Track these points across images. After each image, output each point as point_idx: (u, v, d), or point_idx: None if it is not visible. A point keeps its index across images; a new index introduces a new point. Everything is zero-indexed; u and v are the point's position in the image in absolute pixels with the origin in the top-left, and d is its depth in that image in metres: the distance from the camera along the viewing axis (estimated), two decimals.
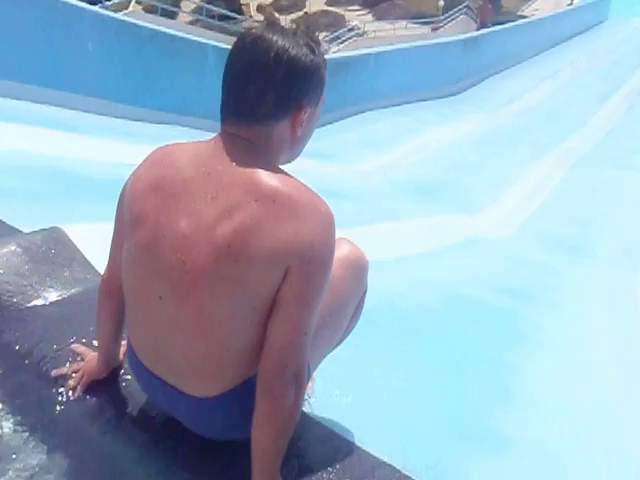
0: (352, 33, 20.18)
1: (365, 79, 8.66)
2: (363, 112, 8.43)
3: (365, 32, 20.49)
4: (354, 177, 5.87)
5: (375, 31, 20.38)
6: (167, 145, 1.09)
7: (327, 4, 26.29)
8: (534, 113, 10.81)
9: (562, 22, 18.18)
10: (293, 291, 0.96)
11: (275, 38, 1.01)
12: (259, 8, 22.05)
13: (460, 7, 21.60)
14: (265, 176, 0.98)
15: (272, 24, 1.06)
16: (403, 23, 21.20)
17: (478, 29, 13.80)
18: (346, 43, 18.62)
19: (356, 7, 26.04)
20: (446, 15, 19.99)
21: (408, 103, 9.49)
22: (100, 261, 1.49)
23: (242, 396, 1.03)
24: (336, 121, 7.82)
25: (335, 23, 22.25)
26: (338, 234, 1.02)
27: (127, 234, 1.07)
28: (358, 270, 1.23)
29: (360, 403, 1.58)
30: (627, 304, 3.70)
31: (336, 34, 19.44)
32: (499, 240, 5.01)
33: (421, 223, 4.69)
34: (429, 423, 1.55)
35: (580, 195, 6.90)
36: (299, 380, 0.99)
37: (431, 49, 10.40)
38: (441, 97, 10.58)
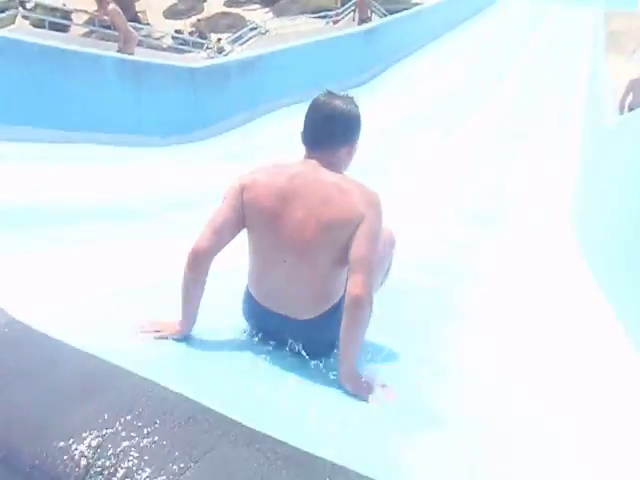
0: (254, 32, 20.05)
1: (273, 77, 8.63)
2: (274, 110, 8.41)
3: (267, 30, 20.43)
4: None
5: (277, 28, 20.37)
6: (277, 164, 1.79)
7: (226, 5, 25.99)
8: (439, 96, 11.18)
9: (456, 6, 18.89)
10: (362, 235, 1.61)
11: (337, 102, 1.75)
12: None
13: None
14: (340, 179, 1.72)
15: (331, 93, 1.78)
16: (303, 18, 21.33)
17: (359, 24, 13.95)
18: (249, 43, 18.48)
19: (255, 6, 25.91)
20: (345, 7, 20.26)
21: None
22: None
23: (329, 316, 1.70)
24: (248, 122, 7.75)
25: (236, 24, 22.05)
26: None
27: (253, 222, 1.69)
28: (391, 241, 1.99)
29: (288, 389, 1.55)
30: (546, 269, 3.90)
31: (238, 34, 19.26)
32: (421, 221, 5.14)
33: None
34: (363, 405, 1.54)
35: (489, 170, 7.21)
36: (370, 300, 1.58)
37: (333, 42, 10.52)
38: (348, 88, 10.69)
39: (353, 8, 16.11)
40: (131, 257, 2.69)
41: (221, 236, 1.66)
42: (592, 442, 1.47)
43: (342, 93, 1.79)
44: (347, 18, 17.40)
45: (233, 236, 1.69)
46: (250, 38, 19.40)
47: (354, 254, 1.59)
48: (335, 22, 14.21)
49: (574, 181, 6.56)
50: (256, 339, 1.75)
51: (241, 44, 18.60)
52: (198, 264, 1.64)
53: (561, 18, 22.17)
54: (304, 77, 9.42)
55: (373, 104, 9.43)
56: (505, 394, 1.75)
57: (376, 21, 13.42)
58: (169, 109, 6.92)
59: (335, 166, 1.74)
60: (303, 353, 1.70)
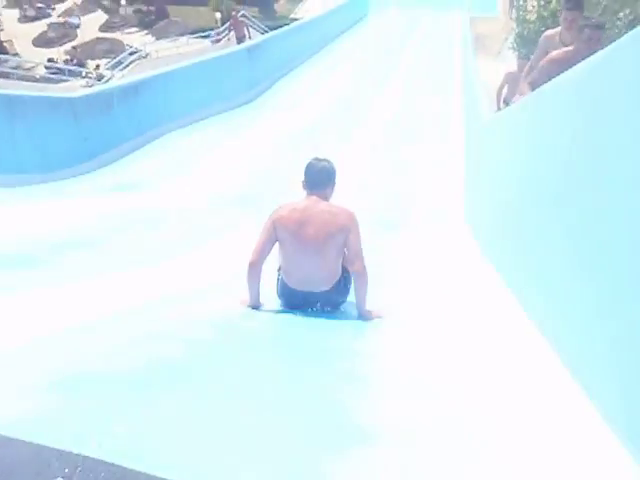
0: (134, 56, 19.49)
1: (158, 102, 8.39)
2: (162, 135, 8.18)
3: (148, 54, 19.93)
4: (167, 202, 5.64)
5: (157, 51, 19.93)
6: (292, 201, 2.83)
7: (101, 30, 25.06)
8: (326, 107, 11.40)
9: (333, 19, 19.46)
10: (352, 240, 2.72)
11: (322, 162, 2.92)
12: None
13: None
14: (331, 207, 2.80)
15: (318, 158, 2.95)
16: (184, 39, 21.04)
17: (238, 43, 13.98)
18: (130, 67, 17.93)
19: (133, 30, 25.22)
20: (225, 27, 20.23)
21: (205, 118, 9.43)
22: None
23: (335, 288, 2.80)
24: (137, 149, 7.46)
25: (114, 49, 21.30)
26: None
27: (282, 239, 2.74)
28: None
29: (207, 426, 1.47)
30: (452, 264, 4.05)
31: (117, 59, 18.63)
32: None
33: (248, 234, 4.65)
34: (289, 430, 1.49)
35: (384, 176, 7.42)
36: (366, 272, 2.70)
37: (217, 62, 10.44)
38: (237, 107, 10.68)
39: (229, 28, 15.95)
40: (15, 312, 2.45)
41: (264, 250, 2.76)
42: (511, 438, 1.51)
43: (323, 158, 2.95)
44: (229, 37, 17.30)
45: (271, 249, 2.78)
46: (131, 63, 18.84)
47: (350, 250, 2.76)
48: (217, 41, 14.07)
49: (462, 177, 6.92)
50: (286, 310, 2.84)
51: (122, 69, 18.01)
52: (254, 269, 2.73)
53: (431, 24, 23.45)
54: (190, 99, 9.26)
55: (263, 120, 9.46)
56: (425, 400, 1.76)
57: (258, 38, 13.47)
58: (49, 143, 6.51)
59: (326, 199, 2.87)
60: (321, 309, 2.81)
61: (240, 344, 2.27)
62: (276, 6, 29.79)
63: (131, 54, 19.41)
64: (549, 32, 4.55)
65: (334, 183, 2.91)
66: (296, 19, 21.79)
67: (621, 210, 1.48)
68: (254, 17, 24.41)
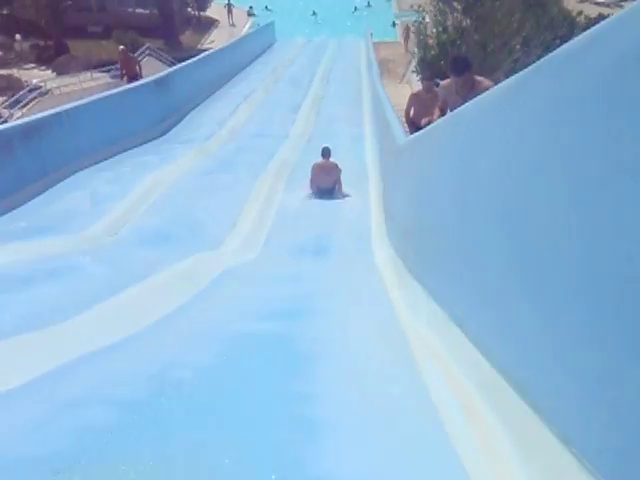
0: (34, 93, 18.63)
1: (63, 140, 8.00)
2: (69, 175, 7.79)
3: (49, 90, 19.11)
4: (85, 244, 5.33)
5: (59, 87, 19.16)
6: (317, 162, 7.95)
7: None
8: (242, 135, 11.36)
9: (241, 48, 19.57)
10: (337, 172, 8.01)
11: (327, 145, 8.25)
12: None
13: (141, 50, 21.64)
14: (333, 163, 7.97)
15: (326, 145, 8.36)
16: (88, 75, 20.39)
17: (129, 82, 12.16)
18: (30, 105, 17.12)
19: (31, 65, 24.15)
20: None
21: (116, 155, 9.11)
22: None
23: (333, 186, 7.93)
24: (42, 192, 7.05)
25: (12, 86, 20.23)
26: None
27: (316, 171, 7.89)
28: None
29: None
30: (372, 287, 4.07)
31: (16, 97, 17.73)
32: (248, 265, 5.07)
33: (174, 272, 4.47)
34: None
35: (309, 204, 7.45)
36: (341, 185, 8.03)
37: (124, 96, 10.13)
38: (148, 141, 10.40)
39: (119, 66, 14.08)
40: None
41: (313, 175, 7.91)
42: None
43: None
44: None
45: (313, 175, 7.94)
46: (31, 100, 18.00)
47: (337, 176, 7.88)
48: (122, 76, 13.55)
49: (380, 201, 7.06)
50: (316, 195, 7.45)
51: (20, 107, 17.16)
52: (311, 182, 7.90)
53: (337, 49, 24.12)
54: (98, 136, 8.91)
55: (174, 155, 9.25)
56: (376, 444, 1.71)
57: (165, 71, 13.23)
58: None
59: (329, 158, 7.92)
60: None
61: (172, 402, 2.12)
62: (182, 37, 29.67)
63: (30, 91, 18.55)
64: (444, 82, 5.11)
65: (330, 154, 7.95)
66: (203, 50, 21.73)
67: (542, 229, 1.51)
68: (160, 49, 24.12)
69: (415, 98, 6.69)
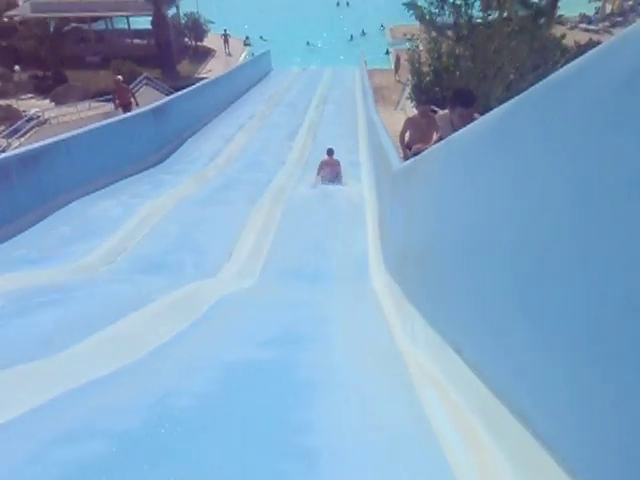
0: (33, 123, 18.79)
1: (60, 169, 8.04)
2: (67, 204, 7.81)
3: (47, 120, 19.29)
4: (81, 274, 5.32)
5: (57, 117, 19.34)
6: (326, 157, 10.39)
7: None
8: (239, 162, 11.44)
9: (238, 77, 19.81)
10: (340, 167, 10.42)
11: (331, 147, 10.61)
12: None
13: (139, 79, 21.91)
14: (335, 159, 10.35)
15: (329, 147, 10.69)
16: (86, 104, 20.60)
17: (124, 112, 12.42)
18: (28, 135, 17.25)
19: (29, 95, 24.39)
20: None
21: (112, 184, 9.15)
22: None
23: (337, 176, 10.24)
24: (39, 221, 7.06)
25: (10, 116, 20.41)
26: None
27: (323, 166, 10.24)
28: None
29: None
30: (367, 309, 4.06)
31: (14, 127, 17.87)
32: (247, 291, 5.06)
33: (171, 300, 4.44)
34: None
35: (305, 229, 7.46)
36: (342, 174, 10.45)
37: (122, 124, 10.23)
38: (145, 169, 10.46)
39: (113, 96, 14.35)
40: None
41: (319, 171, 10.21)
42: None
43: None
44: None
45: (320, 171, 10.22)
46: (29, 130, 18.15)
47: (340, 169, 10.24)
48: (117, 106, 13.69)
49: (378, 226, 7.07)
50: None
51: (19, 137, 17.29)
52: (318, 176, 10.13)
53: (332, 77, 24.43)
54: (95, 165, 8.96)
55: (172, 183, 9.30)
56: (376, 473, 1.69)
57: (163, 99, 13.38)
58: None
59: (333, 156, 10.23)
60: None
61: (169, 432, 2.09)
62: (179, 67, 30.04)
63: (29, 121, 18.72)
64: (441, 114, 5.15)
65: (333, 152, 10.24)
66: (200, 79, 22.00)
67: (531, 255, 1.52)
68: (157, 78, 24.43)
69: (410, 122, 6.76)
